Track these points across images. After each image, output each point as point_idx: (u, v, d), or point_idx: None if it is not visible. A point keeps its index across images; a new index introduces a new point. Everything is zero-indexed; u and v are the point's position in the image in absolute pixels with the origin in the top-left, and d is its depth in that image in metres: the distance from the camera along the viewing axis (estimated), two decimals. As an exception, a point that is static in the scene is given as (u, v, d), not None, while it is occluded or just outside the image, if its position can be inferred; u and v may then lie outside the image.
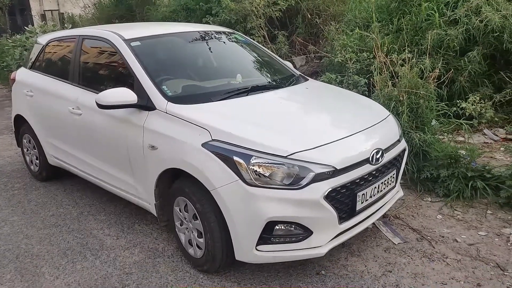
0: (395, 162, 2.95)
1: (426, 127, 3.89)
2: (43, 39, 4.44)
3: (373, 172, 2.71)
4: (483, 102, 4.46)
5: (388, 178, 2.88)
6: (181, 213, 2.89)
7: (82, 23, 13.87)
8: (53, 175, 4.44)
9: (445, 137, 4.15)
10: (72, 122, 3.64)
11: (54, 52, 4.21)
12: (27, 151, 4.63)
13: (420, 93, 3.84)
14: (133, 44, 3.30)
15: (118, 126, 3.16)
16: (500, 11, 4.50)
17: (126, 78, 3.21)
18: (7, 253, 3.18)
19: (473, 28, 4.64)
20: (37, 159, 4.43)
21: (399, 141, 3.03)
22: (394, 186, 3.02)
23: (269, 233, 2.46)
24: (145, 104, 2.95)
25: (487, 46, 4.71)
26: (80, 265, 2.99)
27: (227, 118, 2.74)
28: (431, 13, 4.94)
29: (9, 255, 3.15)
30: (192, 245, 2.84)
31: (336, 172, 2.48)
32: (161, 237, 3.31)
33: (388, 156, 2.84)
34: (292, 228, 2.48)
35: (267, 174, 2.41)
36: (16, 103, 4.61)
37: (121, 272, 2.89)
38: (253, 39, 5.76)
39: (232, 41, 3.93)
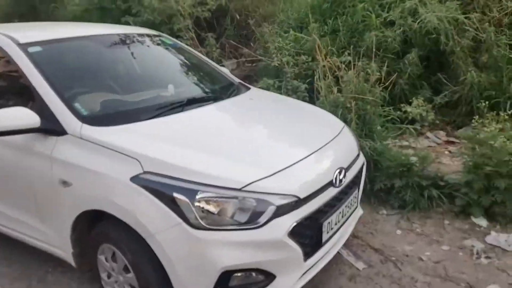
0: (356, 180, 2.62)
1: (375, 135, 3.64)
2: None
3: (338, 196, 2.35)
4: (424, 105, 4.34)
5: (351, 199, 2.54)
6: (107, 263, 2.32)
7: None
8: None
9: (390, 143, 3.95)
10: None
11: None
12: None
13: (368, 98, 3.59)
14: (31, 49, 2.59)
15: (17, 157, 2.47)
16: (434, 11, 4.41)
17: (25, 94, 2.52)
18: None
19: (409, 29, 4.52)
20: None
21: (358, 155, 2.71)
22: (357, 206, 2.69)
23: (225, 285, 1.99)
24: (51, 128, 2.31)
25: (422, 48, 4.62)
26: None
27: (162, 143, 2.21)
28: (367, 13, 4.76)
29: None
30: (124, 303, 2.28)
31: (299, 202, 2.08)
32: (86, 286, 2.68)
33: (350, 175, 2.50)
34: (251, 275, 2.03)
35: (219, 210, 1.95)
36: None
37: None
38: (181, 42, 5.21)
39: (159, 45, 3.38)
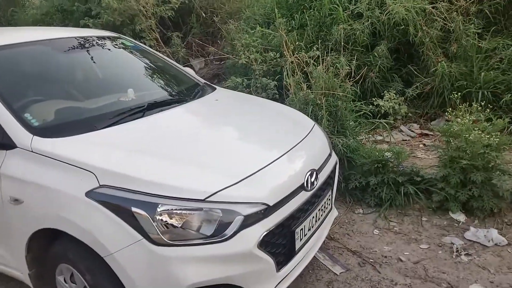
0: (329, 181, 2.51)
1: (347, 131, 3.55)
2: None
3: (310, 199, 2.24)
4: (396, 98, 4.30)
5: (325, 202, 2.43)
6: (66, 284, 2.13)
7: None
8: None
9: (364, 138, 3.88)
10: None
11: None
12: None
13: (338, 94, 3.49)
14: (-21, 56, 2.40)
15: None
16: (402, 2, 4.36)
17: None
18: None
19: (377, 21, 4.46)
20: None
21: (330, 155, 2.60)
22: (331, 209, 2.59)
23: (191, 304, 1.85)
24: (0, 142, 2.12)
25: (391, 40, 4.57)
26: None
27: (119, 153, 2.03)
28: (334, 7, 4.67)
29: None
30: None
31: (269, 210, 1.95)
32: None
33: (323, 176, 2.39)
34: (222, 291, 1.90)
35: (182, 223, 1.79)
36: None
37: None
38: (145, 43, 5.01)
39: (119, 48, 3.18)
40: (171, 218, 1.79)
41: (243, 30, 5.19)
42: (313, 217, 2.28)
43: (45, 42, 2.77)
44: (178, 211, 1.80)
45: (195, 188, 1.85)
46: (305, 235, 2.20)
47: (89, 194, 1.85)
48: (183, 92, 2.94)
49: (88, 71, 2.89)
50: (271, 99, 4.30)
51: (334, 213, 2.75)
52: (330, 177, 2.52)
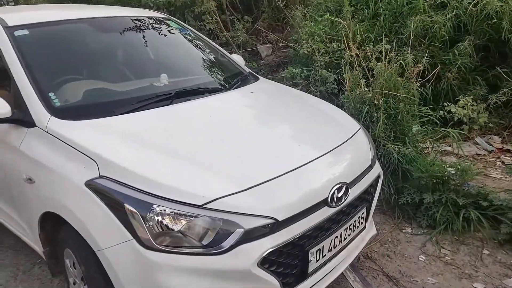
0: (365, 197, 2.19)
1: (406, 138, 3.14)
2: None
3: (334, 217, 1.95)
4: (475, 104, 3.73)
5: (356, 220, 2.12)
6: (71, 269, 2.09)
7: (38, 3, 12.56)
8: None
9: (428, 147, 3.42)
10: None
11: None
12: None
13: (400, 95, 3.08)
14: (17, 33, 2.39)
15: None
16: (497, -8, 3.74)
17: (6, 81, 2.33)
18: None
19: (464, 13, 3.88)
20: None
21: (371, 166, 2.27)
22: (364, 227, 2.26)
23: (179, 316, 1.69)
24: (22, 119, 2.11)
25: (480, 35, 3.96)
26: None
27: (127, 143, 1.91)
28: (414, -5, 4.15)
29: None
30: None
31: (277, 225, 1.71)
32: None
33: (356, 191, 2.07)
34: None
35: (175, 229, 1.63)
36: None
37: None
38: (205, 26, 4.88)
39: (163, 30, 3.06)
40: (163, 222, 1.63)
41: (311, 17, 4.85)
42: (337, 236, 1.99)
43: (85, 21, 2.74)
44: (173, 215, 1.63)
45: (194, 192, 1.66)
46: (323, 256, 1.93)
47: (89, 183, 1.75)
48: (220, 81, 2.76)
49: (127, 53, 2.81)
50: (329, 94, 3.99)
51: (371, 231, 2.42)
52: (368, 192, 2.20)
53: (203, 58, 3.01)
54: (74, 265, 2.03)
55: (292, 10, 5.22)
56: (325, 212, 1.89)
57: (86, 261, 1.83)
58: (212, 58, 3.05)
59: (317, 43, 4.15)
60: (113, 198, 1.69)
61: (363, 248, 2.63)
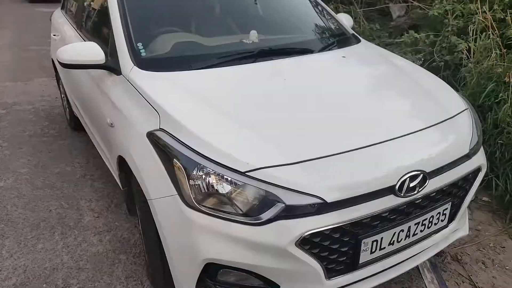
0: (452, 190, 1.85)
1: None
2: (72, -24, 3.94)
3: (401, 208, 1.69)
4: None
5: (433, 216, 1.81)
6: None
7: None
8: (80, 125, 4.08)
9: None
10: (73, 76, 3.14)
11: (73, -7, 3.68)
12: (62, 97, 4.37)
13: (540, 74, 2.48)
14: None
15: (93, 89, 2.54)
16: None
17: (107, 31, 2.49)
18: (-12, 214, 2.91)
19: None
20: (67, 106, 4.12)
21: (468, 156, 1.89)
22: (446, 226, 1.93)
23: (212, 278, 1.68)
24: (112, 66, 2.25)
25: None
26: (42, 244, 2.57)
27: (191, 100, 1.90)
28: None
29: (-11, 216, 2.88)
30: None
31: (324, 206, 1.54)
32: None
33: (439, 182, 1.76)
34: (247, 278, 1.66)
35: (218, 191, 1.58)
36: (51, 46, 4.29)
37: (74, 265, 2.39)
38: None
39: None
40: (207, 183, 1.59)
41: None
42: (403, 230, 1.73)
43: None
44: (217, 178, 1.58)
45: (239, 158, 1.58)
46: (381, 249, 1.71)
47: (150, 134, 1.80)
48: (313, 42, 2.55)
49: (224, 8, 2.76)
50: (456, 65, 3.43)
51: (461, 231, 2.08)
52: (458, 185, 1.86)
53: (303, 16, 2.82)
54: (140, 208, 2.17)
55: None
56: (390, 201, 1.64)
57: (142, 207, 1.93)
58: (313, 17, 2.83)
59: (452, 4, 3.55)
60: (166, 152, 1.71)
61: (451, 247, 2.31)
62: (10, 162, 3.63)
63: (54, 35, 3.87)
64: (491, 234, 2.46)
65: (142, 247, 2.46)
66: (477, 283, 2.15)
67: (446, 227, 1.92)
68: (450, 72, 3.37)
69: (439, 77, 3.65)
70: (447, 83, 3.47)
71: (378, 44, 4.48)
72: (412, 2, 5.13)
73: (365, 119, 1.86)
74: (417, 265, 2.23)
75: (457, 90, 3.12)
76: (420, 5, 4.16)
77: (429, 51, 3.58)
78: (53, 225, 2.75)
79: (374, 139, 1.72)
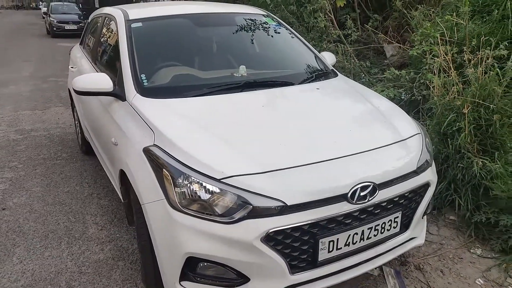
0: (401, 202, 2.15)
1: (497, 153, 2.85)
2: (91, 16, 4.44)
3: (355, 213, 1.99)
4: None
5: (385, 223, 2.11)
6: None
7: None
8: (91, 150, 4.46)
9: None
10: (85, 103, 3.55)
11: (91, 30, 4.16)
12: (76, 123, 4.78)
13: (494, 105, 2.80)
14: (134, 25, 2.98)
15: (102, 113, 2.93)
16: None
17: (117, 62, 2.91)
18: (2, 226, 3.24)
19: None
20: (80, 132, 4.52)
21: (416, 172, 2.20)
22: (399, 233, 2.21)
23: (192, 270, 1.98)
24: (119, 94, 2.64)
25: None
26: (49, 252, 2.88)
27: (182, 121, 2.26)
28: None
29: (3, 227, 3.20)
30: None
31: (285, 209, 1.85)
32: (140, 237, 3.04)
33: (388, 193, 2.06)
34: (222, 270, 1.95)
35: (198, 196, 1.90)
36: (68, 77, 4.76)
37: (77, 270, 2.69)
38: (318, 24, 4.99)
39: (258, 25, 3.34)
40: (189, 189, 1.92)
41: (437, 17, 4.56)
42: (357, 233, 2.02)
43: (188, 16, 3.20)
44: (197, 184, 1.91)
45: (215, 168, 1.91)
46: (338, 249, 2.00)
47: (144, 149, 2.15)
48: (295, 75, 2.93)
49: (217, 45, 3.18)
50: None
51: (417, 241, 2.35)
52: (407, 197, 2.16)
53: (289, 54, 3.22)
54: (137, 216, 2.49)
55: (417, 10, 4.98)
56: (343, 207, 1.94)
57: (138, 212, 2.25)
58: (298, 54, 3.22)
59: (429, 45, 3.94)
60: (157, 163, 2.04)
61: (416, 258, 2.57)
62: (25, 181, 4.00)
63: (72, 67, 4.33)
64: (453, 247, 2.72)
65: (138, 255, 2.77)
66: (433, 288, 2.40)
67: (400, 234, 2.20)
68: (427, 105, 3.71)
69: (419, 109, 4.03)
70: (424, 114, 3.83)
71: (368, 80, 4.88)
72: (404, 43, 5.56)
73: (327, 138, 2.20)
74: (383, 272, 2.51)
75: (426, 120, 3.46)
76: (407, 47, 4.54)
77: (410, 86, 3.94)
78: (60, 236, 3.07)
79: (333, 155, 2.04)
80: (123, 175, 2.50)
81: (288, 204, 1.85)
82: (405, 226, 2.23)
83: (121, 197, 2.82)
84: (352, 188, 1.95)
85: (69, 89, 4.65)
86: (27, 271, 2.70)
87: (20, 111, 6.40)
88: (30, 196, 3.71)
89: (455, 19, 4.01)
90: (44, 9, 30.73)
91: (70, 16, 19.81)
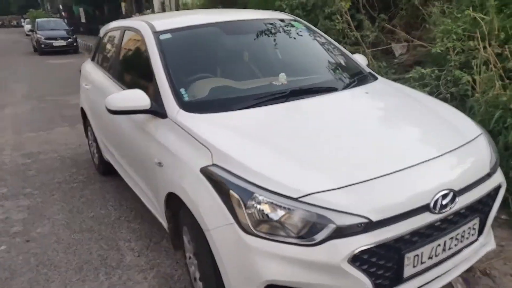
0: (479, 207, 2.04)
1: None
2: (102, 30, 4.28)
3: (437, 224, 1.87)
4: None
5: (465, 231, 1.99)
6: (187, 245, 2.40)
7: (194, 7, 13.99)
8: (109, 170, 4.28)
9: None
10: (108, 121, 3.38)
11: (106, 44, 4.00)
12: (90, 143, 4.59)
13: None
14: (162, 37, 2.83)
15: (136, 133, 2.76)
16: None
17: (151, 77, 2.76)
18: (31, 259, 3.04)
19: None
20: (96, 152, 4.34)
21: (489, 175, 2.09)
22: (476, 239, 2.10)
23: (271, 296, 1.83)
24: (158, 111, 2.48)
25: None
26: (88, 286, 2.70)
27: (238, 136, 2.12)
28: None
29: (33, 261, 3.00)
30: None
31: (370, 225, 1.72)
32: (183, 261, 2.86)
33: (466, 200, 1.95)
34: (304, 295, 1.81)
35: (273, 218, 1.76)
36: (80, 94, 4.57)
37: (123, 302, 2.53)
38: (335, 26, 4.91)
39: (288, 31, 3.22)
40: (262, 210, 1.78)
41: (450, 13, 4.51)
42: (440, 245, 1.90)
43: (218, 25, 3.05)
44: (271, 205, 1.77)
45: (291, 186, 1.78)
46: (422, 263, 1.87)
47: (203, 170, 1.99)
48: (337, 81, 2.81)
49: (253, 53, 3.04)
50: (462, 96, 3.70)
51: (489, 246, 2.24)
52: (483, 202, 2.05)
53: (323, 58, 3.10)
54: (189, 242, 2.33)
55: (431, 7, 4.92)
56: (426, 218, 1.83)
57: (197, 239, 2.09)
58: (333, 58, 3.11)
59: (452, 42, 3.87)
60: (221, 184, 1.89)
61: (480, 263, 2.46)
62: (44, 209, 3.80)
63: (86, 85, 4.15)
64: (517, 249, 2.62)
65: (186, 282, 2.61)
66: (508, 295, 2.29)
67: (476, 241, 2.09)
68: (457, 103, 3.62)
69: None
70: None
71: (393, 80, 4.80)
72: (412, 41, 5.50)
73: (395, 146, 2.08)
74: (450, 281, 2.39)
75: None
76: (422, 43, 4.47)
77: (435, 84, 3.86)
78: (96, 267, 2.89)
79: (406, 163, 1.92)
80: (169, 198, 2.36)
81: (373, 220, 1.72)
82: (480, 232, 2.12)
83: (163, 222, 2.66)
84: (434, 197, 1.83)
85: (81, 107, 4.47)
86: (67, 308, 2.52)
87: (23, 133, 6.17)
88: (54, 224, 3.52)
89: (477, 14, 3.96)
90: (28, 26, 30.32)
91: (58, 32, 19.50)
